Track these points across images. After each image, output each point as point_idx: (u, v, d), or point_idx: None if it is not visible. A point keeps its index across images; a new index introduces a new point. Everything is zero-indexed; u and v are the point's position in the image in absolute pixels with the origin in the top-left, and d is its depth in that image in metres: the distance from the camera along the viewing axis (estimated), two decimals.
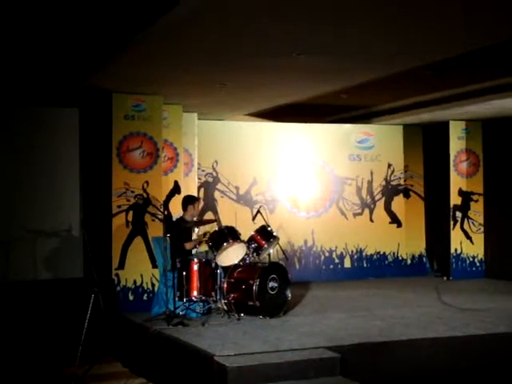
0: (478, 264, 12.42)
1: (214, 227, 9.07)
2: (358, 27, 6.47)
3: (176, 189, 10.53)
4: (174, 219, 9.61)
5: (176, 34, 6.62)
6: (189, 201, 9.13)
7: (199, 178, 11.60)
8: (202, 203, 9.18)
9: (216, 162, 11.91)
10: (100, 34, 6.79)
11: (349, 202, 12.66)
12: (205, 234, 8.80)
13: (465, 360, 7.14)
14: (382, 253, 12.76)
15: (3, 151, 9.91)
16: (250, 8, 5.82)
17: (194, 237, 9.23)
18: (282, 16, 6.05)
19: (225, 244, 8.56)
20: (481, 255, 12.45)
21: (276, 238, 9.07)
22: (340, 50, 7.32)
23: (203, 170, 11.79)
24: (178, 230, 8.75)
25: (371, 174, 12.80)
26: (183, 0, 5.61)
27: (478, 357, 7.21)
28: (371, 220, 12.77)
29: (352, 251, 12.59)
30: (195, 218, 9.15)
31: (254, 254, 8.82)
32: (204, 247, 8.94)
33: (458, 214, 12.35)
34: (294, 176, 12.34)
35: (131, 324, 8.58)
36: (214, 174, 11.91)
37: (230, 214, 11.45)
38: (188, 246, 8.78)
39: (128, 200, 9.55)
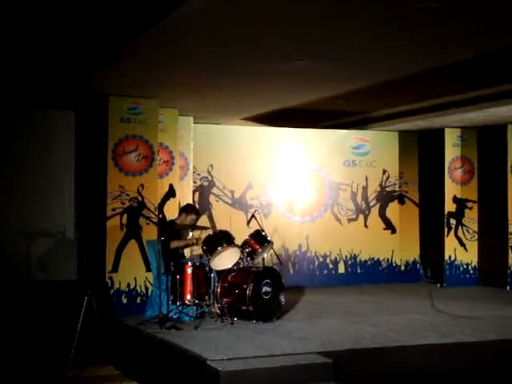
0: (471, 271, 12.44)
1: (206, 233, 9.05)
2: (356, 34, 6.49)
3: (171, 192, 10.53)
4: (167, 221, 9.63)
5: (173, 39, 6.63)
6: (184, 209, 9.16)
7: (194, 182, 11.60)
8: (195, 218, 9.01)
9: (211, 165, 11.91)
10: (97, 38, 6.79)
11: (343, 208, 12.67)
12: (197, 240, 8.78)
13: (456, 367, 7.15)
14: (375, 259, 12.77)
15: None
16: (248, 14, 5.84)
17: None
18: (280, 22, 6.07)
19: (219, 248, 8.57)
20: (474, 262, 12.47)
21: (270, 242, 9.09)
22: (338, 56, 7.34)
23: (198, 174, 11.79)
24: (168, 231, 8.75)
25: (366, 179, 12.81)
26: (180, 5, 5.62)
27: (469, 364, 7.22)
28: (366, 226, 12.79)
29: (346, 257, 12.60)
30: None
31: (248, 259, 8.83)
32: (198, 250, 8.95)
33: (453, 221, 12.37)
34: (289, 181, 12.35)
35: (124, 327, 8.57)
36: (210, 177, 11.92)
37: (224, 218, 11.44)
38: (172, 244, 8.76)
39: (123, 203, 9.55)
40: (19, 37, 6.78)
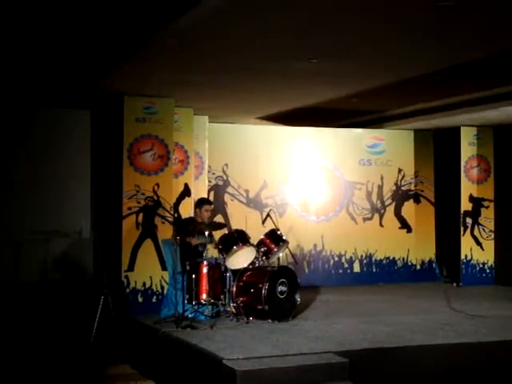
0: (487, 270, 12.38)
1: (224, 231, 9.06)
2: (369, 33, 6.48)
3: (186, 191, 10.55)
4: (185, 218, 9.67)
5: (188, 38, 6.65)
6: (196, 205, 9.19)
7: (209, 181, 11.61)
8: (209, 208, 9.07)
9: (226, 165, 11.91)
10: (113, 37, 6.82)
11: (359, 207, 12.64)
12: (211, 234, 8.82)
13: (473, 367, 7.11)
14: (391, 258, 12.73)
15: (15, 152, 9.97)
16: (263, 13, 5.84)
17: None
18: (294, 21, 6.07)
19: (234, 247, 8.57)
20: (491, 262, 12.40)
21: (285, 241, 9.08)
22: (352, 55, 7.33)
23: (213, 173, 11.80)
24: (183, 228, 8.76)
25: (381, 178, 12.78)
26: (195, 5, 5.64)
27: (486, 363, 7.18)
28: (381, 225, 12.75)
29: (361, 256, 12.57)
30: (206, 220, 9.12)
31: (264, 258, 8.83)
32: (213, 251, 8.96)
33: (469, 220, 12.31)
34: (304, 180, 12.33)
35: (140, 326, 8.60)
36: (225, 177, 11.92)
37: (239, 217, 11.46)
38: (187, 239, 8.76)
39: (138, 202, 9.58)
40: (36, 37, 6.82)
